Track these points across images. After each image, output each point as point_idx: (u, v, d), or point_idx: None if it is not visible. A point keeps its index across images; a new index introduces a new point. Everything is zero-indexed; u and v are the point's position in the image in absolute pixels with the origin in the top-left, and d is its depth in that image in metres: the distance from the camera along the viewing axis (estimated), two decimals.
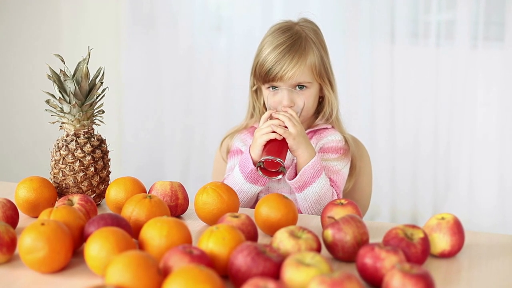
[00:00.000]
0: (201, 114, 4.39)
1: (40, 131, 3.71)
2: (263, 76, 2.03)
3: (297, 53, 2.01)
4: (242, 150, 2.13)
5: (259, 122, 2.14)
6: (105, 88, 1.83)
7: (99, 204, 1.87)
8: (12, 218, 1.59)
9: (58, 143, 1.81)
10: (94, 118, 1.84)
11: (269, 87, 2.05)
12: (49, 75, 1.78)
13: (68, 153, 1.79)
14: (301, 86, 2.03)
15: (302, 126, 1.91)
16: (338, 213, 1.57)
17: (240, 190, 1.93)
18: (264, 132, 1.89)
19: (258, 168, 1.88)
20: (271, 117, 1.93)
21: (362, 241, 1.41)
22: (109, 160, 1.87)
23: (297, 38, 2.05)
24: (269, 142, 1.89)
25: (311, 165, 1.90)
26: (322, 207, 1.92)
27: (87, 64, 1.79)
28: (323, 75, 2.07)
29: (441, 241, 1.44)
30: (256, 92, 2.14)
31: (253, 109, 2.16)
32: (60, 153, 1.79)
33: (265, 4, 4.13)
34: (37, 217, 1.68)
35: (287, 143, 1.89)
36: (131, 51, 4.43)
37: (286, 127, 1.89)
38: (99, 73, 1.82)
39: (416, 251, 1.36)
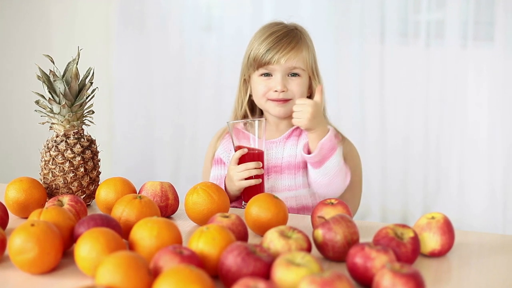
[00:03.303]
0: (191, 114, 4.39)
1: (30, 132, 3.71)
2: (258, 60, 2.04)
3: (294, 39, 2.06)
4: (222, 159, 2.15)
5: (241, 125, 2.15)
6: (95, 89, 1.82)
7: (89, 204, 1.86)
8: (2, 219, 1.58)
9: (48, 144, 1.81)
10: (84, 119, 1.84)
11: (261, 74, 2.06)
12: (38, 76, 1.77)
13: (58, 154, 1.78)
14: (293, 74, 2.05)
15: (317, 104, 1.94)
16: (328, 212, 1.57)
17: None
18: (240, 177, 1.91)
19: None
20: (247, 157, 1.93)
21: (352, 241, 1.41)
22: (99, 160, 1.87)
23: (293, 29, 2.10)
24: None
25: (328, 138, 1.93)
26: (338, 186, 2.00)
27: (77, 64, 1.79)
28: (314, 70, 2.09)
29: (431, 241, 1.44)
30: (245, 84, 2.15)
31: (237, 103, 2.17)
32: (50, 154, 1.79)
33: (256, 3, 4.13)
34: (27, 218, 1.68)
35: (263, 181, 1.93)
36: (122, 51, 4.42)
37: (262, 167, 1.93)
38: (89, 73, 1.82)
39: (406, 251, 1.36)
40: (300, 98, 1.96)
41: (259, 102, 2.11)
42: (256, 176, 1.91)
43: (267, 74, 2.06)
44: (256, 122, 1.93)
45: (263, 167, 1.94)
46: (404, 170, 4.08)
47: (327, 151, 1.93)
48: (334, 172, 1.96)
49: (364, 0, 3.95)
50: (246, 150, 1.92)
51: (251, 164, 1.91)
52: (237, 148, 1.95)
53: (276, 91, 2.04)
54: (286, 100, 2.06)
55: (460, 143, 3.93)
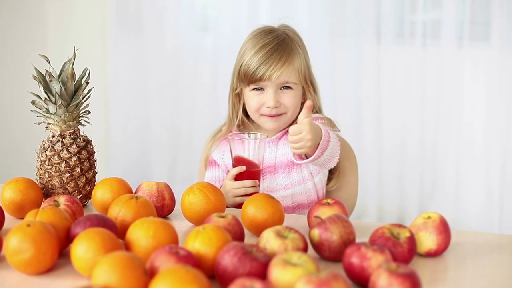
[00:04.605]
0: (187, 114, 4.38)
1: (26, 132, 3.70)
2: (248, 77, 2.02)
3: (285, 53, 2.02)
4: (216, 161, 2.15)
5: (236, 128, 2.15)
6: (91, 89, 1.82)
7: (85, 205, 1.86)
8: None
9: (44, 144, 1.81)
10: (80, 119, 1.84)
11: (253, 89, 2.05)
12: (34, 76, 1.77)
13: (54, 154, 1.78)
14: (285, 87, 2.04)
15: (309, 124, 1.79)
16: (324, 212, 1.57)
17: None
18: (236, 194, 1.89)
19: None
20: (244, 172, 1.90)
21: (348, 241, 1.41)
22: (95, 160, 1.87)
23: (283, 39, 2.05)
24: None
25: (325, 141, 1.86)
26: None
27: (73, 64, 1.78)
28: (307, 78, 2.08)
29: (428, 240, 1.44)
30: (238, 96, 2.14)
31: (232, 114, 2.16)
32: (46, 154, 1.79)
33: (251, 4, 4.13)
34: (23, 218, 1.67)
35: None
36: (118, 51, 4.42)
37: (259, 185, 1.90)
38: (85, 73, 1.81)
39: (402, 250, 1.36)
40: (293, 128, 1.80)
41: (253, 116, 2.10)
42: (252, 194, 1.89)
43: (259, 88, 2.05)
44: (259, 136, 1.91)
45: (259, 185, 1.92)
46: (401, 170, 4.08)
47: (325, 147, 1.89)
48: (332, 151, 1.92)
49: (360, 0, 3.95)
50: (244, 168, 1.89)
51: (248, 183, 1.89)
52: (235, 158, 1.92)
53: (268, 107, 2.03)
54: (279, 115, 2.06)
55: (456, 143, 3.94)
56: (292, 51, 2.04)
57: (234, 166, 1.92)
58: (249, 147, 1.89)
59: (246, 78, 2.03)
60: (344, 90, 4.07)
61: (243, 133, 1.95)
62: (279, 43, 2.04)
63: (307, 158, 1.90)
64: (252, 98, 2.05)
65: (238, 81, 2.08)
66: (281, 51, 2.02)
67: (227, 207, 1.94)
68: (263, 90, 2.04)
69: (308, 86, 2.09)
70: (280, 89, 2.04)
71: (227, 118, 2.18)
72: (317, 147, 1.84)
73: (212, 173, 2.16)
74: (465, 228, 3.81)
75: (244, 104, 2.14)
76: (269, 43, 2.03)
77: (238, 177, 1.91)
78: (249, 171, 1.91)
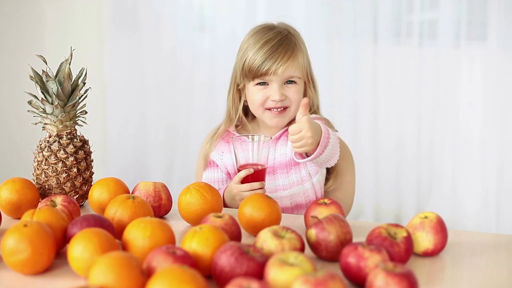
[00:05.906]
0: (184, 114, 4.38)
1: (23, 132, 3.70)
2: (253, 71, 2.02)
3: (289, 48, 2.03)
4: (216, 162, 2.15)
5: (233, 127, 2.15)
6: (88, 89, 1.82)
7: (82, 205, 1.86)
8: None
9: (41, 144, 1.81)
10: (76, 119, 1.84)
11: (257, 84, 2.05)
12: (31, 76, 1.77)
13: (51, 154, 1.78)
14: (289, 82, 2.05)
15: (309, 121, 1.80)
16: (321, 212, 1.57)
17: None
18: (245, 196, 1.84)
19: None
20: (250, 175, 1.88)
21: (345, 241, 1.41)
22: (92, 161, 1.87)
23: (286, 35, 2.07)
24: None
25: (325, 138, 1.87)
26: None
27: (70, 64, 1.78)
28: (309, 74, 2.09)
29: (424, 240, 1.45)
30: (239, 93, 2.14)
31: (231, 111, 2.16)
32: (43, 154, 1.79)
33: (248, 4, 4.12)
34: (19, 218, 1.67)
35: None
36: (114, 51, 4.41)
37: (262, 187, 1.89)
38: (82, 73, 1.81)
39: (399, 250, 1.37)
40: (292, 127, 1.80)
41: (256, 112, 2.10)
42: None
43: (263, 83, 2.06)
44: (262, 138, 1.90)
45: (264, 186, 1.92)
46: (398, 170, 4.08)
47: (325, 144, 1.89)
48: (332, 150, 1.92)
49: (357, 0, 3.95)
50: (252, 171, 1.88)
51: (256, 185, 1.88)
52: (241, 167, 1.90)
53: (274, 100, 2.03)
54: (284, 108, 2.06)
55: (453, 143, 3.93)
56: (296, 46, 2.06)
57: (239, 171, 1.91)
58: (253, 149, 1.89)
59: (251, 73, 2.04)
60: (341, 90, 4.07)
61: (247, 136, 1.94)
62: (283, 39, 2.05)
63: (307, 157, 1.91)
64: (256, 93, 2.06)
65: (241, 77, 2.08)
66: (286, 46, 2.03)
67: (232, 208, 1.94)
68: (267, 84, 2.05)
69: (309, 82, 2.10)
70: (285, 83, 2.05)
71: (226, 116, 2.18)
72: (318, 145, 1.85)
73: (211, 174, 2.15)
74: (462, 228, 3.81)
75: (243, 102, 2.14)
76: (273, 39, 2.04)
77: (244, 180, 1.90)
78: (255, 173, 1.90)
